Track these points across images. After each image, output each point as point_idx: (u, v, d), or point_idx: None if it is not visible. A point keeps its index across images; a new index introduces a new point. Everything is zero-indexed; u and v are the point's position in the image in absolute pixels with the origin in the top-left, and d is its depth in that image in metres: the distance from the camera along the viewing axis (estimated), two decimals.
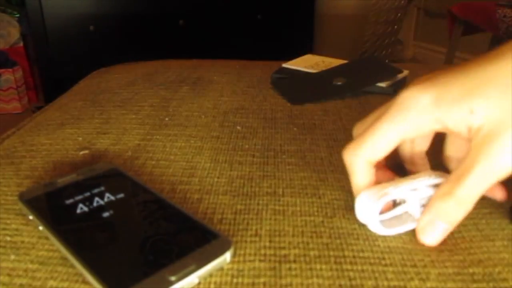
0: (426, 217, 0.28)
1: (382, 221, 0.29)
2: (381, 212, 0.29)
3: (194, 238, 0.27)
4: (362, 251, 0.27)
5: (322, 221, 0.30)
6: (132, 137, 0.43)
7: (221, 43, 1.93)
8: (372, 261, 0.26)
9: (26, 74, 2.02)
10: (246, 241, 0.28)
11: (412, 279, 0.25)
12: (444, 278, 0.25)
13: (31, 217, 0.29)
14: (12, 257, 0.27)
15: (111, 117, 0.47)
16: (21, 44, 2.00)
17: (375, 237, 0.28)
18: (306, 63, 0.63)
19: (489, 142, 0.26)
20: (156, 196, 0.31)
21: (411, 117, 0.28)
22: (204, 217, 0.31)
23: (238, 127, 0.45)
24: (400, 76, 0.57)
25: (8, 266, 0.26)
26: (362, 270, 0.26)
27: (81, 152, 0.40)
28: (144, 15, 1.77)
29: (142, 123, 0.46)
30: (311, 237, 0.29)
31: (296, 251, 0.27)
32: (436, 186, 0.29)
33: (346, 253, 0.27)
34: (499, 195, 0.30)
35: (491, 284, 0.25)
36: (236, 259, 0.27)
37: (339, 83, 0.56)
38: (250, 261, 0.26)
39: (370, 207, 0.28)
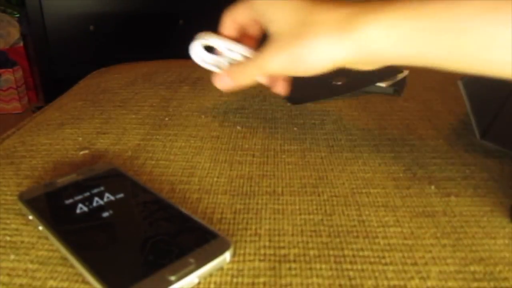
0: (226, 70, 0.39)
1: (202, 58, 0.41)
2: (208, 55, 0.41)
3: (193, 238, 0.27)
4: (362, 249, 0.27)
5: (321, 219, 0.30)
6: (132, 137, 0.42)
7: None
8: (372, 260, 0.26)
9: (26, 74, 2.02)
10: (245, 241, 0.28)
11: (412, 278, 0.25)
12: (445, 276, 0.25)
13: (31, 217, 0.29)
14: (12, 257, 0.27)
15: (111, 117, 0.47)
16: (21, 44, 2.00)
17: (375, 234, 0.28)
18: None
19: (268, 44, 0.34)
20: (155, 196, 0.31)
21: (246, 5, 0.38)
22: (203, 216, 0.31)
23: (238, 127, 0.45)
24: (400, 76, 0.57)
25: (8, 266, 0.26)
26: (362, 270, 0.26)
27: (81, 152, 0.40)
28: (144, 14, 1.77)
29: (142, 123, 0.46)
30: (311, 236, 0.29)
31: (296, 250, 0.27)
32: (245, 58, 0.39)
33: (345, 252, 0.27)
34: (279, 89, 0.41)
35: (492, 283, 0.25)
36: (236, 258, 0.27)
37: (339, 83, 0.56)
38: (250, 260, 0.26)
39: (195, 42, 0.41)
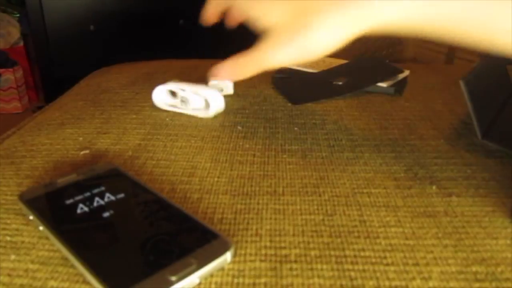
0: (227, 62, 0.40)
1: (168, 103, 0.48)
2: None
3: (194, 238, 0.26)
4: (363, 250, 0.27)
5: (323, 219, 0.30)
6: (132, 137, 0.42)
7: (221, 43, 1.93)
8: (373, 260, 0.26)
9: (26, 74, 2.02)
10: (246, 241, 0.28)
11: (414, 278, 0.25)
12: (446, 277, 0.25)
13: (31, 217, 0.29)
14: (13, 257, 0.27)
15: (112, 117, 0.47)
16: (21, 44, 2.00)
17: (376, 235, 0.28)
18: (306, 63, 0.63)
19: (268, 38, 0.34)
20: (156, 196, 0.31)
21: None
22: (204, 216, 0.30)
23: (239, 127, 0.45)
24: (400, 76, 0.57)
25: (8, 266, 0.26)
26: (363, 270, 0.26)
27: (82, 152, 0.40)
28: (145, 14, 1.76)
29: (143, 123, 0.46)
30: (312, 236, 0.28)
31: (297, 251, 0.27)
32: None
33: (347, 252, 0.27)
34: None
35: (493, 284, 0.25)
36: (237, 259, 0.26)
37: (339, 83, 0.56)
38: (251, 261, 0.26)
39: (158, 89, 0.48)
